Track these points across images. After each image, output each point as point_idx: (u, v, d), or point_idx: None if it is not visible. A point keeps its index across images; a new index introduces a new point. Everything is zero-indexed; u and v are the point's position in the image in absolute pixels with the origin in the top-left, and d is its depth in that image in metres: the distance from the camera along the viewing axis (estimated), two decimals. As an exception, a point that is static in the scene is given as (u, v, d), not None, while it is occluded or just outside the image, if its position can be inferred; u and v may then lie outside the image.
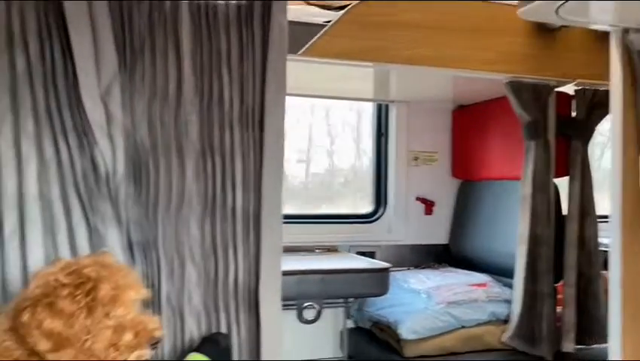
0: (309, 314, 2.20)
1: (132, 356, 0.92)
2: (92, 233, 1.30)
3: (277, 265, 1.41)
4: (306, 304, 2.19)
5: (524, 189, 2.20)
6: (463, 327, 2.31)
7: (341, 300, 2.57)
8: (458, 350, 2.30)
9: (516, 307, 2.20)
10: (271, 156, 1.42)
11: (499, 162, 2.58)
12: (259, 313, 1.41)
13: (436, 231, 2.85)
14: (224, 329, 1.42)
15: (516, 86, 2.16)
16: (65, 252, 1.27)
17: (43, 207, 1.28)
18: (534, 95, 2.18)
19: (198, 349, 1.35)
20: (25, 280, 1.18)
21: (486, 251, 2.63)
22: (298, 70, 1.74)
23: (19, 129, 1.27)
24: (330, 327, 2.64)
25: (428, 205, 2.83)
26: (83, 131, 1.28)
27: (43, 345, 0.86)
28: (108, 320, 0.91)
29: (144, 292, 0.99)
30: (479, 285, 2.43)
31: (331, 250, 2.65)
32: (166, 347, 1.39)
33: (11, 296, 1.12)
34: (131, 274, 0.99)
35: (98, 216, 1.31)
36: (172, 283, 1.41)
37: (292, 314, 2.21)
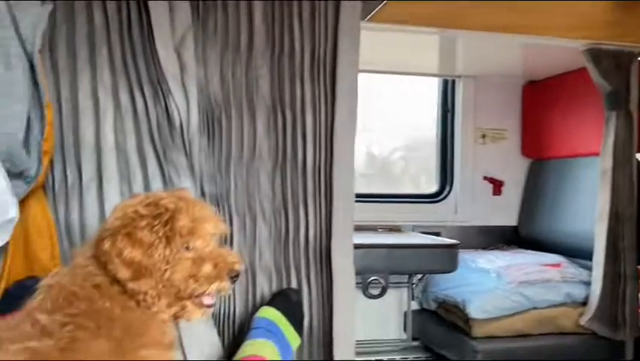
0: (374, 289, 2.14)
1: (212, 288, 0.89)
2: (167, 184, 1.29)
3: (349, 220, 1.37)
4: (371, 278, 2.13)
5: (604, 163, 2.07)
6: (535, 308, 2.20)
7: (405, 281, 2.51)
8: (529, 331, 2.20)
9: (596, 289, 2.07)
10: (343, 110, 1.38)
11: (574, 139, 2.45)
12: (331, 269, 1.36)
13: (504, 212, 2.73)
14: (294, 286, 1.39)
15: (595, 54, 2.03)
16: (140, 201, 1.26)
17: (119, 157, 1.29)
18: (615, 63, 2.05)
19: (269, 303, 1.33)
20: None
21: (559, 233, 2.50)
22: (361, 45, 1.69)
23: (97, 81, 1.28)
24: (393, 309, 2.59)
25: (497, 185, 2.72)
26: (158, 82, 1.29)
27: (123, 273, 0.85)
28: (186, 252, 0.89)
29: (221, 227, 0.96)
30: (552, 265, 2.31)
31: (394, 229, 2.58)
32: (237, 302, 1.38)
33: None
34: (208, 208, 0.97)
35: (172, 167, 1.30)
36: (243, 238, 1.39)
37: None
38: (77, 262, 0.89)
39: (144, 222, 0.88)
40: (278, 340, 1.24)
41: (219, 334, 1.35)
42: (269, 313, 1.29)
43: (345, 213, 1.38)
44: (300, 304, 1.35)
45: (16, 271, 1.12)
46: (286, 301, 1.32)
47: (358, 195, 2.57)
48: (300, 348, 1.36)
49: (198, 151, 1.34)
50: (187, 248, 0.90)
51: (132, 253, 0.85)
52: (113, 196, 1.27)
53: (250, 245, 1.39)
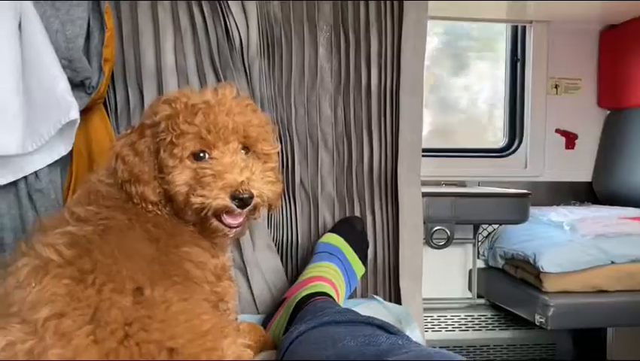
0: (439, 240, 2.05)
1: (209, 204, 0.77)
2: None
3: (417, 147, 1.29)
4: (435, 228, 2.05)
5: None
6: (613, 263, 2.04)
7: (470, 238, 2.40)
8: (607, 287, 2.04)
9: (681, 244, 1.90)
10: (410, 30, 1.29)
11: (657, 86, 2.25)
12: (397, 198, 1.29)
13: (578, 166, 2.56)
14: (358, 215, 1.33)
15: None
16: (200, 123, 1.23)
17: (180, 79, 1.26)
18: None
19: (332, 230, 1.27)
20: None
21: (639, 188, 2.31)
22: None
23: (156, -1, 1.25)
24: (458, 267, 2.48)
25: (570, 138, 2.55)
26: (218, 0, 1.24)
27: (121, 176, 0.82)
28: (194, 161, 0.80)
29: (254, 141, 0.84)
30: (633, 218, 2.14)
31: (459, 184, 2.47)
32: (300, 231, 1.33)
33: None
34: (241, 115, 0.82)
35: (233, 90, 1.26)
36: (305, 167, 1.34)
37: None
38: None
39: (148, 131, 0.81)
40: (343, 265, 1.19)
41: (282, 262, 1.31)
42: (333, 239, 1.24)
43: (413, 140, 1.30)
44: (364, 233, 1.29)
45: (81, 188, 1.11)
46: (350, 228, 1.27)
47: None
48: (364, 278, 1.30)
49: (258, 74, 1.29)
50: (197, 157, 0.78)
51: (129, 157, 0.80)
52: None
53: (312, 173, 1.34)
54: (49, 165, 1.01)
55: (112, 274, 0.67)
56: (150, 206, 0.78)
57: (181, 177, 0.77)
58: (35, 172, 1.00)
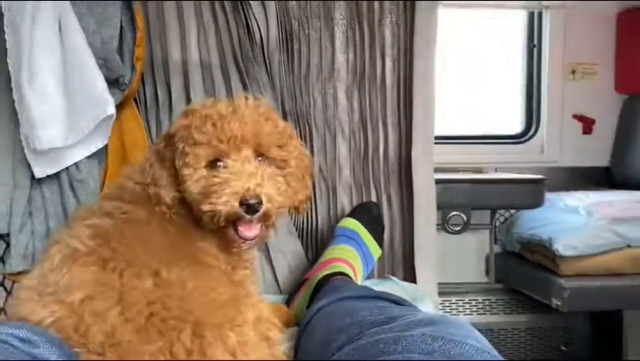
0: (455, 225, 2.13)
1: (220, 210, 0.79)
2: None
3: (430, 137, 1.37)
4: (452, 214, 2.12)
5: None
6: (629, 246, 2.09)
7: (487, 223, 2.46)
8: (622, 270, 2.09)
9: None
10: (422, 23, 1.36)
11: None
12: (411, 184, 1.38)
13: (595, 152, 2.61)
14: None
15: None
16: (225, 115, 1.33)
17: (204, 74, 1.36)
18: None
19: (350, 215, 1.36)
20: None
21: (657, 173, 2.36)
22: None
23: (181, -5, 1.34)
24: (475, 253, 2.55)
25: (587, 123, 2.59)
26: (238, -5, 1.33)
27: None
28: (209, 170, 0.84)
29: (267, 148, 0.85)
30: (649, 202, 2.18)
31: (476, 170, 2.53)
32: (319, 217, 1.42)
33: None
34: (253, 124, 0.83)
35: (254, 83, 1.36)
36: (323, 155, 1.43)
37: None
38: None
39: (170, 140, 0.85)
40: (360, 248, 1.28)
41: (302, 245, 1.40)
42: (351, 223, 1.33)
43: (426, 128, 1.38)
44: (380, 217, 1.38)
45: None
46: (367, 213, 1.35)
47: (438, 137, 2.57)
48: (381, 259, 1.39)
49: (278, 67, 1.38)
50: (212, 166, 0.80)
51: (153, 162, 0.86)
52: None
53: (330, 162, 1.43)
54: (87, 157, 1.12)
55: (130, 261, 0.76)
56: (164, 208, 0.83)
57: (195, 186, 0.79)
58: (75, 163, 1.10)
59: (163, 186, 0.83)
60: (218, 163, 0.79)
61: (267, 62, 1.37)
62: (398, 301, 0.88)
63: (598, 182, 2.61)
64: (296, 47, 1.40)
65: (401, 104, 1.41)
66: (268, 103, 0.90)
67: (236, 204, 0.75)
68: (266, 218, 0.79)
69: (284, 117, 1.40)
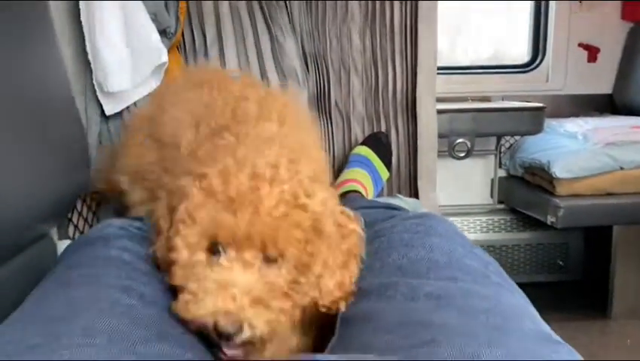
0: (460, 151, 2.39)
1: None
2: (274, 41, 1.61)
3: (432, 70, 1.63)
4: (457, 141, 2.38)
5: None
6: (622, 168, 2.34)
7: (493, 149, 2.73)
8: (613, 190, 2.35)
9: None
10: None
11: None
12: (416, 116, 1.65)
13: (599, 79, 2.81)
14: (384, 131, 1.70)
15: None
16: (252, 57, 1.60)
17: (234, 20, 1.61)
18: None
19: (363, 143, 1.65)
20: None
21: (658, 100, 2.57)
22: None
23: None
24: (481, 177, 2.82)
25: (592, 51, 2.78)
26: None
27: None
28: None
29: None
30: (643, 126, 2.42)
31: (484, 99, 2.76)
32: (336, 145, 1.71)
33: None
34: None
35: (277, 26, 1.61)
36: (339, 91, 1.70)
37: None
38: None
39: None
40: (370, 170, 1.58)
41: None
42: (363, 150, 1.62)
43: (429, 65, 1.64)
44: (388, 144, 1.67)
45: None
46: (377, 141, 1.64)
47: (447, 68, 2.79)
48: (389, 181, 1.69)
49: (298, 11, 1.63)
50: (212, 250, 0.68)
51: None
52: (231, 54, 1.61)
53: (345, 96, 1.70)
54: (144, 96, 1.41)
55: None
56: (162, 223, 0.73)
57: (178, 272, 0.67)
58: (135, 102, 1.39)
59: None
60: (218, 250, 0.66)
61: (289, 7, 1.62)
62: (400, 209, 1.18)
63: (602, 108, 2.83)
64: (314, -9, 1.65)
65: (407, 45, 1.67)
66: (310, 167, 0.72)
67: (209, 324, 0.62)
68: (250, 344, 0.64)
69: (305, 58, 1.66)
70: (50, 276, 0.75)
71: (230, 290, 0.62)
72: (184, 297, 0.64)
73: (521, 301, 0.72)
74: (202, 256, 0.67)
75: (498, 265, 0.82)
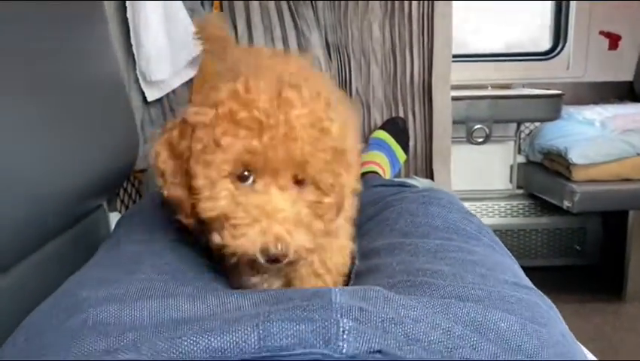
0: (478, 137, 2.51)
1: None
2: (300, 35, 1.76)
3: (448, 60, 1.77)
4: (475, 127, 2.50)
5: None
6: (639, 154, 2.43)
7: (512, 135, 2.84)
8: (628, 176, 2.44)
9: None
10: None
11: None
12: (432, 102, 1.79)
13: (620, 67, 2.88)
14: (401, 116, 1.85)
15: None
16: (279, 47, 1.76)
17: (262, 13, 1.76)
18: None
19: (381, 127, 1.80)
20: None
21: (676, 86, 2.64)
22: None
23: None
24: (500, 163, 2.91)
25: (613, 39, 2.86)
26: None
27: None
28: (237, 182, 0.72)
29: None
30: (661, 114, 2.50)
31: (504, 87, 2.86)
32: (357, 129, 1.86)
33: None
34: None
35: (302, 19, 1.76)
36: (359, 78, 1.85)
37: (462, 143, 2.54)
38: None
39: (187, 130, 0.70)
40: (388, 153, 1.73)
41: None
42: (381, 134, 1.77)
43: (444, 55, 1.78)
44: (406, 129, 1.82)
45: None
46: (394, 125, 1.79)
47: (469, 55, 2.89)
48: (406, 163, 1.84)
49: (322, 6, 1.77)
50: (240, 178, 0.67)
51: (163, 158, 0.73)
52: (259, 44, 1.76)
53: (365, 84, 1.85)
54: (182, 84, 1.58)
55: None
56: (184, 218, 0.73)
57: (210, 203, 0.66)
58: (174, 90, 1.56)
59: (181, 189, 0.70)
60: (247, 176, 0.66)
61: (314, 5, 1.76)
62: (410, 186, 1.33)
63: (622, 95, 2.91)
64: (337, -14, 1.79)
65: (424, 36, 1.81)
66: (328, 92, 0.73)
67: (257, 249, 0.64)
68: (287, 265, 0.69)
69: (328, 48, 1.81)
70: (114, 235, 0.94)
71: (275, 215, 0.63)
72: (226, 226, 0.65)
73: (508, 261, 0.87)
74: (228, 183, 0.66)
75: (492, 233, 0.97)
